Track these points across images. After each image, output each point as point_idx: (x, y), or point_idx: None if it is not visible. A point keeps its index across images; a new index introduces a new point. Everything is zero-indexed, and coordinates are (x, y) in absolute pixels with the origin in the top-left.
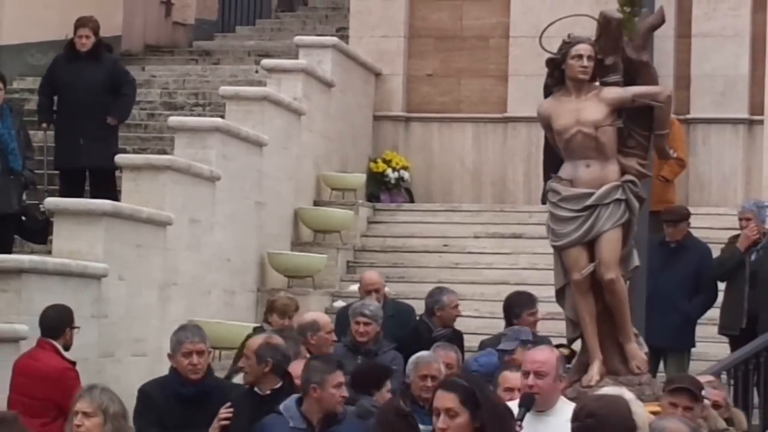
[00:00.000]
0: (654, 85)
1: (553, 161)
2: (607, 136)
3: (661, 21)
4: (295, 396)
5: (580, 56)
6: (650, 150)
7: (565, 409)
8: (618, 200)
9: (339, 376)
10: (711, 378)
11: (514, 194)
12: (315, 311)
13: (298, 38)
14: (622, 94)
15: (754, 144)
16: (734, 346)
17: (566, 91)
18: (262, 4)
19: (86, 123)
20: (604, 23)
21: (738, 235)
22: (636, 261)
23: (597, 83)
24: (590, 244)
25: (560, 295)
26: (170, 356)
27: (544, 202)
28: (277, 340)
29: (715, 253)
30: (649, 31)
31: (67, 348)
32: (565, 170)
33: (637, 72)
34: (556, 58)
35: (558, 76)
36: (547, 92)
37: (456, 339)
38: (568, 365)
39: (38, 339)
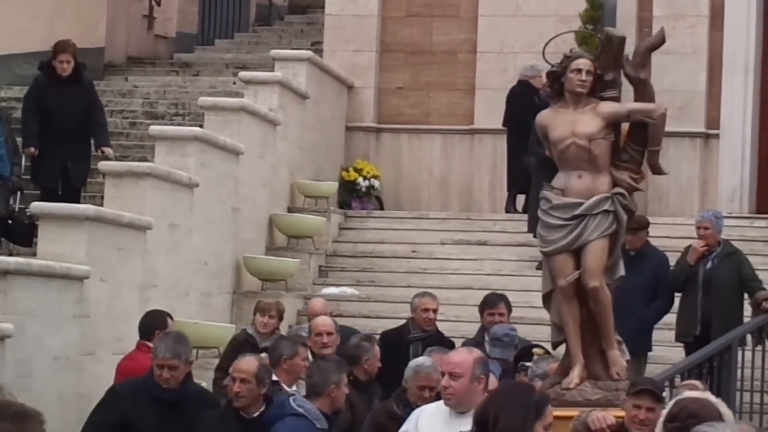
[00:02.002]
0: (650, 102)
1: (517, 173)
2: (600, 149)
3: (661, 41)
4: (299, 398)
5: (579, 70)
6: (643, 165)
7: None
8: (606, 211)
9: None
10: (692, 381)
11: (479, 203)
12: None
13: (274, 51)
14: (618, 110)
15: (710, 157)
16: (689, 352)
17: (564, 103)
18: (241, 19)
19: (74, 146)
20: (606, 40)
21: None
22: (621, 271)
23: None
24: (577, 252)
25: (547, 300)
26: (152, 358)
27: (508, 211)
28: (266, 360)
29: (672, 261)
30: (649, 51)
31: None
32: (558, 180)
33: (635, 89)
34: (556, 71)
35: (557, 89)
36: (510, 102)
37: (441, 344)
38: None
39: (137, 341)
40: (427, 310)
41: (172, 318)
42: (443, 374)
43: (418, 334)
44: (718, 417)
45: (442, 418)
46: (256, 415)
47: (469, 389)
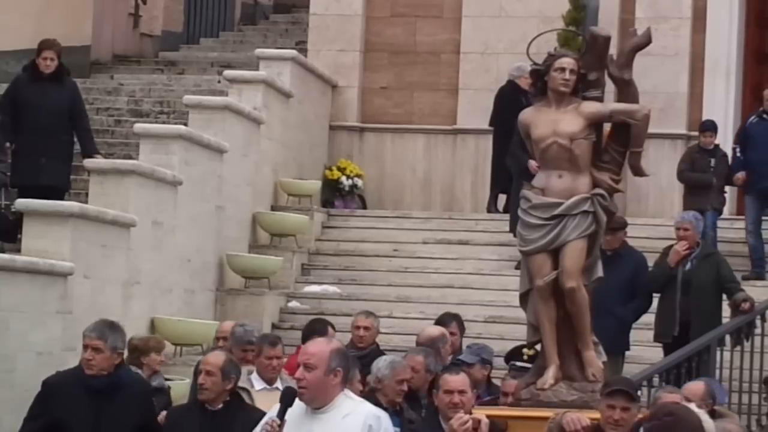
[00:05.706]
0: (634, 103)
1: (501, 172)
2: (581, 149)
3: (647, 41)
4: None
5: (563, 69)
6: (624, 166)
7: (345, 406)
8: (586, 212)
9: None
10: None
11: (461, 203)
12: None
13: (259, 51)
14: (601, 110)
15: None
16: (668, 353)
17: (547, 102)
18: (226, 18)
19: (48, 143)
20: (591, 40)
21: (672, 245)
22: (599, 272)
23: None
24: (555, 252)
25: (524, 300)
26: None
27: (489, 211)
28: (233, 357)
29: (650, 261)
30: (634, 51)
31: None
32: (538, 179)
33: (619, 89)
34: (540, 69)
35: (541, 87)
36: (498, 102)
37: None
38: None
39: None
40: (358, 327)
41: (334, 327)
42: (297, 366)
43: (353, 352)
44: (695, 414)
45: (297, 417)
46: (220, 406)
47: (323, 382)
